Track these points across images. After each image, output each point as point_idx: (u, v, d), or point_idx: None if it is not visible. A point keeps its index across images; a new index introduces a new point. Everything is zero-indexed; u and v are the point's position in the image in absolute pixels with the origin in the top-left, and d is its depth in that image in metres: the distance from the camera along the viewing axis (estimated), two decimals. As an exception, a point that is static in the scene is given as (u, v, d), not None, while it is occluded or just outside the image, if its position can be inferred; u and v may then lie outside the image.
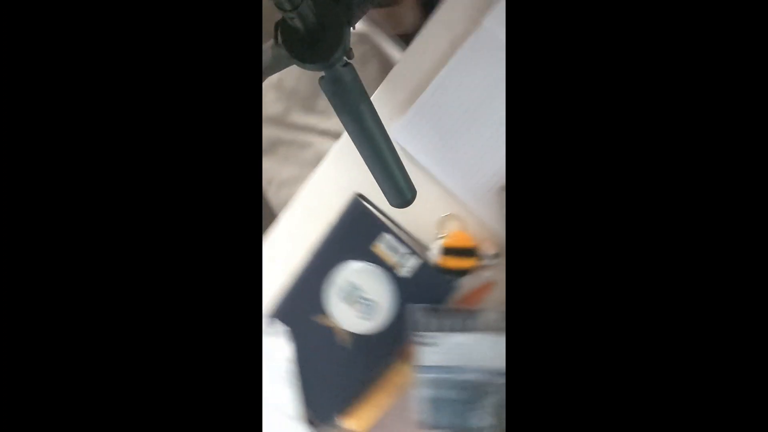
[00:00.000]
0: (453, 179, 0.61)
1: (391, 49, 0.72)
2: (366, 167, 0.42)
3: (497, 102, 0.57)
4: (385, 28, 0.76)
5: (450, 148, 0.60)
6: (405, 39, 0.75)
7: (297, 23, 0.30)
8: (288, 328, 0.65)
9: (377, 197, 0.64)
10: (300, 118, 0.76)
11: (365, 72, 0.71)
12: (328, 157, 0.65)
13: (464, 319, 0.60)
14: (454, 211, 0.62)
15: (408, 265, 0.63)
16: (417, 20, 0.90)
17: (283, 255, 0.65)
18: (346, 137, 0.64)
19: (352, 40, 0.72)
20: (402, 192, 0.43)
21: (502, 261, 0.61)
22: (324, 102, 0.73)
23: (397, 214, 0.64)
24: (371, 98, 0.37)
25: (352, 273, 0.63)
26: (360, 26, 0.72)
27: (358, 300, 0.63)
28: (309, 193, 0.65)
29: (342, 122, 0.39)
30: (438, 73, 0.58)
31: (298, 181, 0.76)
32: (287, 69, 0.42)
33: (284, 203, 0.69)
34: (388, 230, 0.63)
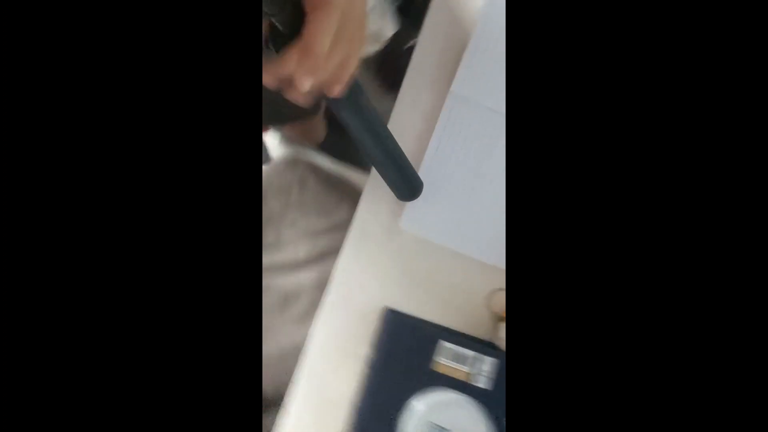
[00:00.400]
0: (478, 247, 0.54)
1: (321, 159, 0.67)
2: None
3: (493, 157, 0.55)
4: (304, 143, 0.73)
5: (461, 219, 0.54)
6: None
7: (283, 26, 0.29)
8: None
9: (403, 302, 0.52)
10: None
11: (309, 190, 0.63)
12: (332, 278, 0.52)
13: None
14: (497, 283, 0.54)
15: (485, 371, 0.50)
16: (324, 132, 0.89)
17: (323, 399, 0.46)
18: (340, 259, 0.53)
19: (282, 170, 0.65)
20: (414, 179, 0.43)
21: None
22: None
23: (437, 316, 0.52)
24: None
25: (425, 413, 0.47)
26: (283, 154, 0.67)
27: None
28: (329, 316, 0.50)
29: (352, 127, 0.38)
30: (423, 154, 0.55)
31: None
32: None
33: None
34: (444, 335, 0.50)
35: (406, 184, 0.46)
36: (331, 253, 0.60)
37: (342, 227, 0.61)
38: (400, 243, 0.54)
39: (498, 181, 0.55)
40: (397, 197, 0.47)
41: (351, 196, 0.63)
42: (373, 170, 0.55)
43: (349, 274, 0.54)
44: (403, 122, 0.56)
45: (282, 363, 0.56)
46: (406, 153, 0.54)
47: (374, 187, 0.55)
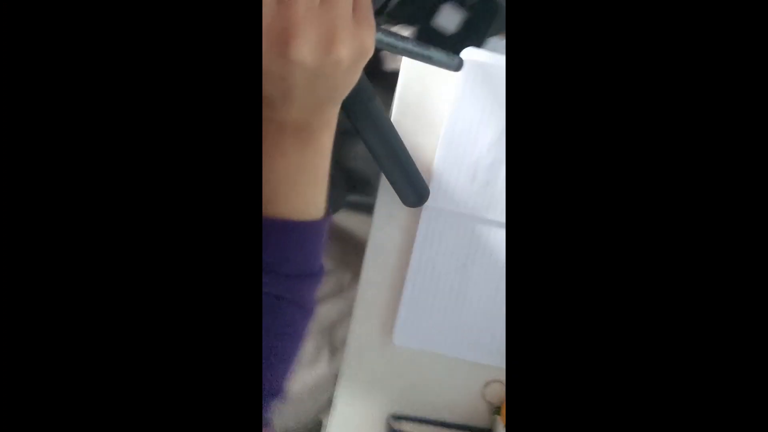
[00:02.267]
0: (470, 350, 0.58)
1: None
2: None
3: (476, 262, 0.57)
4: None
5: (451, 326, 0.57)
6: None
7: None
8: None
9: (406, 407, 0.57)
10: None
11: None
12: (335, 396, 0.57)
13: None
14: (491, 375, 0.58)
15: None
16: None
17: None
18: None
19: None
20: (421, 184, 0.44)
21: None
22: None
23: (438, 412, 0.57)
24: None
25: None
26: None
27: None
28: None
29: (362, 131, 0.38)
30: (406, 269, 0.56)
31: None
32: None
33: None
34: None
35: (414, 189, 0.48)
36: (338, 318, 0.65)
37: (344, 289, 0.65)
38: (395, 354, 0.58)
39: (483, 283, 0.57)
40: (404, 203, 0.49)
41: (354, 250, 0.65)
42: (362, 278, 0.57)
43: (350, 391, 0.58)
44: (382, 239, 0.57)
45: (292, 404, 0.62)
46: (387, 270, 0.56)
47: (365, 303, 0.57)
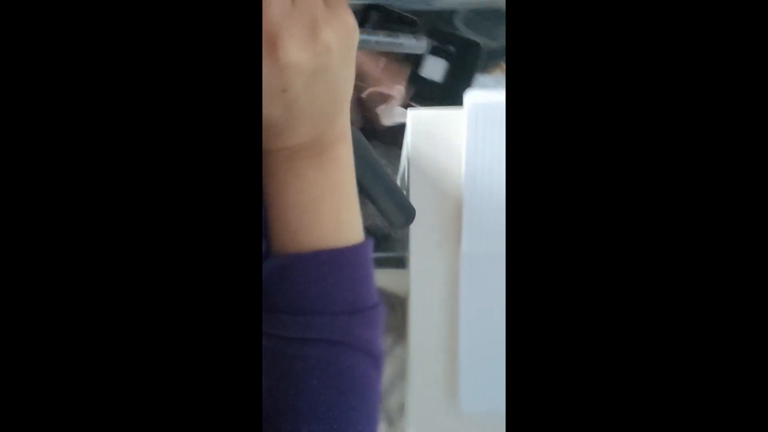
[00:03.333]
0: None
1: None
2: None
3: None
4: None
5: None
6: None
7: None
8: None
9: None
10: None
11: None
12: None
13: None
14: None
15: None
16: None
17: None
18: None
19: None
20: (406, 203, 0.43)
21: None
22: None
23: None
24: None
25: None
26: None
27: None
28: None
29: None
30: (457, 322, 0.53)
31: None
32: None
33: None
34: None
35: (401, 209, 0.45)
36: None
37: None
38: (465, 421, 0.53)
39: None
40: (393, 226, 0.46)
41: (391, 308, 0.61)
42: (411, 340, 0.53)
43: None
44: (424, 294, 0.54)
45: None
46: (435, 327, 0.52)
47: (419, 367, 0.53)
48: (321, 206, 0.32)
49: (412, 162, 0.54)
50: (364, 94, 0.95)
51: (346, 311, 0.32)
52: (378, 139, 1.01)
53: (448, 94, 0.78)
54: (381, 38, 0.38)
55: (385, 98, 0.91)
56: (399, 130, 0.69)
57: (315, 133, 0.31)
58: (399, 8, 0.85)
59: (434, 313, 0.54)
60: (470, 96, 0.52)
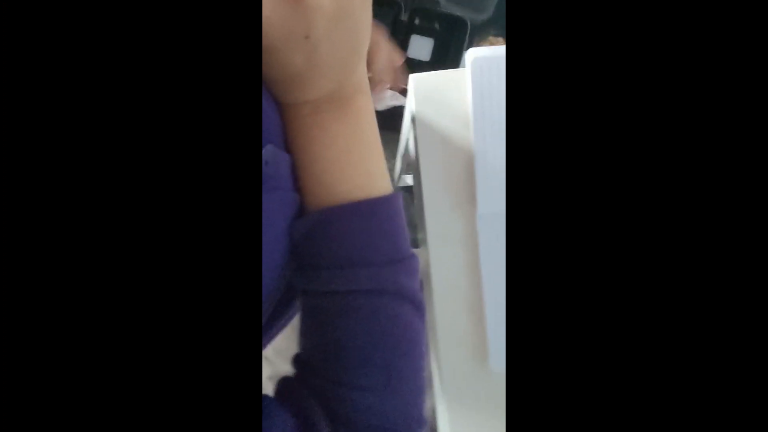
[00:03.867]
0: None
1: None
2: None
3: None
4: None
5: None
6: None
7: None
8: None
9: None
10: None
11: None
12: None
13: None
14: None
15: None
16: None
17: None
18: None
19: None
20: None
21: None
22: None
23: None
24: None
25: None
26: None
27: None
28: None
29: None
30: (480, 287, 0.52)
31: None
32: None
33: None
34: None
35: None
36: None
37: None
38: (497, 379, 0.52)
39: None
40: None
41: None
42: (436, 308, 0.52)
43: (454, 426, 0.52)
44: (444, 259, 0.53)
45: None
46: (459, 292, 0.51)
47: (447, 331, 0.52)
48: (350, 158, 0.32)
49: (419, 127, 0.54)
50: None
51: (389, 261, 0.31)
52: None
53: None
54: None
55: (375, 84, 0.90)
56: (393, 114, 0.69)
57: (335, 84, 0.31)
58: (381, -11, 0.85)
59: (456, 277, 0.53)
60: (471, 52, 0.52)
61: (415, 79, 0.54)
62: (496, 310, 0.52)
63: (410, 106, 0.56)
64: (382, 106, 0.90)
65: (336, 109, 0.31)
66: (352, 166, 0.32)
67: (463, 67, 0.53)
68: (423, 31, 0.90)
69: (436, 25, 0.90)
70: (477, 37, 0.88)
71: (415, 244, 0.58)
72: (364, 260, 0.30)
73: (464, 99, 0.53)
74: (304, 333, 0.33)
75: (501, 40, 0.89)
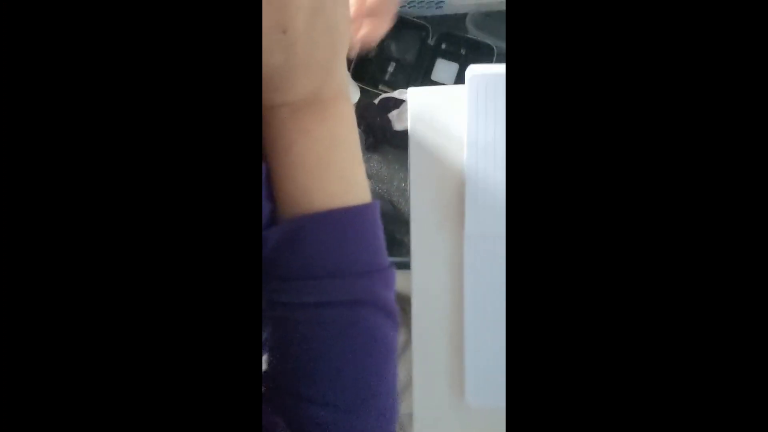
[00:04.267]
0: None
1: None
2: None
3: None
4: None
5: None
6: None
7: None
8: None
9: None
10: None
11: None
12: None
13: None
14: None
15: None
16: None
17: None
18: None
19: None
20: None
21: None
22: None
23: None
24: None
25: None
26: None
27: None
28: None
29: None
30: (463, 307, 0.49)
31: None
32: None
33: None
34: None
35: None
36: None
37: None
38: (471, 415, 0.48)
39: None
40: None
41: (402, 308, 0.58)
42: (415, 335, 0.49)
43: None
44: (426, 269, 0.50)
45: None
46: (440, 321, 0.48)
47: (424, 364, 0.49)
48: (329, 164, 0.30)
49: (412, 142, 0.52)
50: (376, 100, 0.95)
51: (365, 271, 0.30)
52: (390, 144, 1.00)
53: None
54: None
55: (397, 103, 0.90)
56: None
57: (315, 86, 0.30)
58: (409, 14, 0.86)
59: (438, 300, 0.50)
60: (471, 69, 0.50)
61: (412, 94, 0.53)
62: (476, 341, 0.48)
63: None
64: (400, 126, 0.89)
65: (317, 113, 0.30)
66: (331, 173, 0.30)
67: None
68: (449, 56, 0.89)
69: (462, 51, 0.89)
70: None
71: (408, 266, 0.55)
72: (339, 271, 0.29)
73: (461, 116, 0.51)
74: (272, 348, 0.31)
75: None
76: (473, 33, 0.89)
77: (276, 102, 0.30)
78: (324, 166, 0.30)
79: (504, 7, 0.90)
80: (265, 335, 0.32)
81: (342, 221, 0.30)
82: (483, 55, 0.85)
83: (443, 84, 0.89)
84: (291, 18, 0.27)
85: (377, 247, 0.31)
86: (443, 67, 0.88)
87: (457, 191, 0.50)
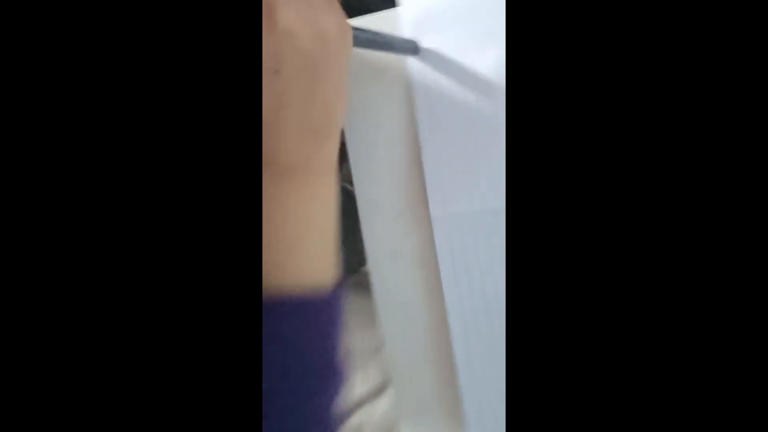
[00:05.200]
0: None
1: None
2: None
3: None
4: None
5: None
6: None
7: None
8: None
9: None
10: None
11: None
12: None
13: None
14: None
15: None
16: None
17: None
18: None
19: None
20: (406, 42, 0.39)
21: None
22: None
23: None
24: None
25: None
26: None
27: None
28: None
29: None
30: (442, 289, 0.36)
31: None
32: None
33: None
34: None
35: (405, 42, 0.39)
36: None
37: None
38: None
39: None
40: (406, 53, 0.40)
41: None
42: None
43: None
44: (392, 281, 0.37)
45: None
46: (418, 344, 0.35)
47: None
48: (300, 245, 0.29)
49: (350, 123, 0.42)
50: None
51: (314, 370, 0.28)
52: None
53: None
54: (371, 37, 0.36)
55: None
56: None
57: (303, 153, 0.28)
58: None
59: (411, 311, 0.37)
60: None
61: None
62: (469, 360, 0.34)
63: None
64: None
65: (301, 188, 0.28)
66: (299, 255, 0.29)
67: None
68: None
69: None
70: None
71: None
72: (286, 367, 0.27)
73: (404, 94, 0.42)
74: None
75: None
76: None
77: (264, 158, 0.28)
78: (294, 246, 0.29)
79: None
80: None
81: (296, 314, 0.28)
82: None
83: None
84: (285, 54, 0.26)
85: (331, 347, 0.29)
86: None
87: (410, 171, 0.39)
